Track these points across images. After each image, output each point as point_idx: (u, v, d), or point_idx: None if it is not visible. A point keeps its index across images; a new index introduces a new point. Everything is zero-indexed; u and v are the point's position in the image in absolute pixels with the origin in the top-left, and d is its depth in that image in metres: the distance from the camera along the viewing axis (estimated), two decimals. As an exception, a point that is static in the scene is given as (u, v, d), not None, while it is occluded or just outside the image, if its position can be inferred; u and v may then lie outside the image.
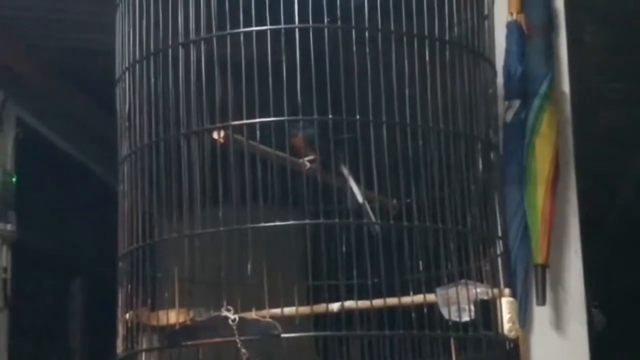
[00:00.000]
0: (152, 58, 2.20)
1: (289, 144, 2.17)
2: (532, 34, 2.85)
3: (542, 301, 2.73)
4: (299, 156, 2.30)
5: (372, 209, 2.17)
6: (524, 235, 2.75)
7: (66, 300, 5.15)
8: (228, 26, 2.12)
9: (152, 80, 2.19)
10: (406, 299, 2.10)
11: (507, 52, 2.80)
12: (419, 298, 2.11)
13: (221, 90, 2.11)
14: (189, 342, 2.09)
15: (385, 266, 2.07)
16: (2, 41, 4.18)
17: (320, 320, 2.20)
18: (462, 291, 2.13)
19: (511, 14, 2.84)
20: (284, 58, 2.08)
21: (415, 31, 2.14)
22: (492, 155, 2.31)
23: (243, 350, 2.00)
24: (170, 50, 2.17)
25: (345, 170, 2.26)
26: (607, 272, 6.35)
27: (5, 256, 4.15)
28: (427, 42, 2.15)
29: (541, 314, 2.79)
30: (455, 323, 2.12)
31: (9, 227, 4.13)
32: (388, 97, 2.10)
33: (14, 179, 4.24)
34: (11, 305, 4.17)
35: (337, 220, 2.14)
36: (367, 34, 2.11)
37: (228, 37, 2.12)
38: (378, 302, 2.10)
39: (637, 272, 6.59)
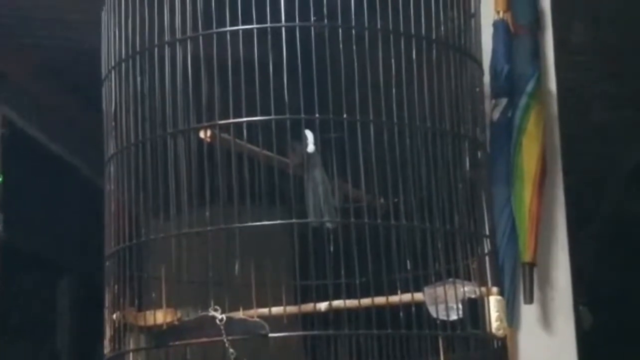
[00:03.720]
0: (138, 57, 2.19)
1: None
2: (518, 33, 2.85)
3: (529, 299, 2.74)
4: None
5: (360, 208, 2.16)
6: (512, 234, 2.75)
7: (53, 300, 5.13)
8: (214, 25, 2.12)
9: (139, 79, 2.18)
10: (394, 298, 2.10)
11: (494, 50, 2.80)
12: (407, 297, 2.11)
13: (208, 89, 2.11)
14: (177, 342, 2.08)
15: (373, 265, 2.07)
16: (-12, 40, 4.16)
17: (308, 320, 2.19)
18: (450, 290, 2.13)
19: (498, 12, 2.84)
20: (270, 57, 2.07)
21: (402, 29, 2.14)
22: (479, 153, 2.31)
23: (231, 350, 1.99)
24: (156, 49, 2.16)
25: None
26: (594, 270, 6.36)
27: (-8, 256, 4.13)
28: (413, 40, 2.15)
29: (529, 312, 2.79)
30: (443, 322, 2.13)
31: (-5, 226, 4.12)
32: (375, 96, 2.10)
33: (0, 179, 4.22)
34: (-2, 304, 4.15)
35: (325, 219, 2.13)
36: (354, 32, 2.11)
37: (214, 36, 2.11)
38: (366, 301, 2.10)
39: (625, 270, 6.61)
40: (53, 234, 4.88)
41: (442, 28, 2.22)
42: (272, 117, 2.07)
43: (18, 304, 4.63)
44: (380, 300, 2.10)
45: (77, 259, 5.04)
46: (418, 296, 2.14)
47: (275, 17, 2.09)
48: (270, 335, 2.00)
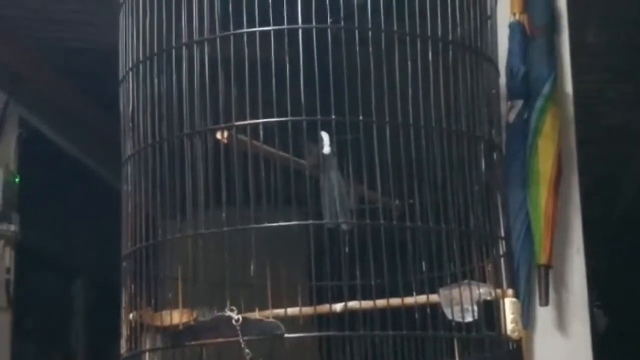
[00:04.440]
0: (155, 58, 2.20)
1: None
2: (535, 35, 2.85)
3: (545, 302, 2.73)
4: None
5: (375, 209, 2.17)
6: (527, 236, 2.75)
7: (69, 301, 5.16)
8: (231, 26, 2.12)
9: (156, 80, 2.19)
10: (409, 300, 2.10)
11: (510, 52, 2.80)
12: (422, 298, 2.11)
13: (224, 91, 2.11)
14: (193, 343, 2.09)
15: (389, 266, 2.07)
16: (5, 41, 4.19)
17: (323, 321, 2.20)
18: (465, 291, 2.13)
19: (514, 14, 2.84)
20: (287, 58, 2.08)
21: (418, 31, 2.14)
22: (494, 155, 2.31)
23: (246, 351, 2.00)
24: (173, 51, 2.17)
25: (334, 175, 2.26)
26: (609, 272, 6.35)
27: (9, 257, 4.15)
28: (429, 42, 2.15)
29: (544, 315, 2.79)
30: (458, 323, 2.13)
31: (12, 227, 4.14)
32: (391, 98, 2.10)
33: (17, 179, 4.24)
34: (14, 305, 4.17)
35: (340, 220, 2.14)
36: (370, 34, 2.11)
37: (231, 38, 2.12)
38: (381, 302, 2.10)
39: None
40: (69, 235, 4.90)
41: (458, 29, 2.23)
42: (289, 118, 2.08)
43: (33, 303, 4.65)
44: (395, 301, 2.10)
45: (93, 259, 5.06)
46: (433, 298, 2.14)
47: (292, 19, 2.09)
48: (286, 335, 2.01)
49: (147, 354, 2.19)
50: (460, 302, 2.12)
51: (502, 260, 2.27)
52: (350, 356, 2.49)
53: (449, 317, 2.13)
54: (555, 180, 2.77)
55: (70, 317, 5.16)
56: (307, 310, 2.15)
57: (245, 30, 2.11)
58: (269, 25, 2.10)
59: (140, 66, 2.23)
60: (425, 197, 2.12)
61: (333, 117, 2.09)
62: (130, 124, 2.25)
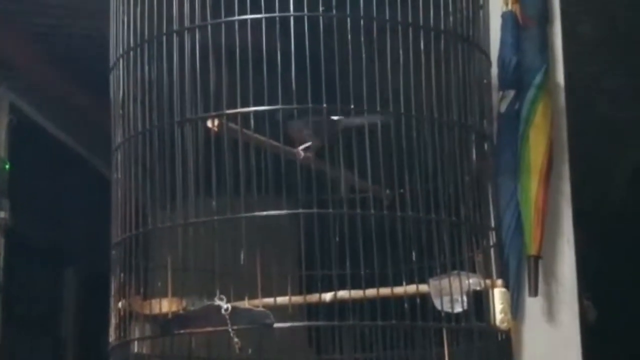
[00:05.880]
0: (146, 45, 2.19)
1: (286, 134, 2.16)
2: (527, 25, 2.84)
3: (534, 292, 2.73)
4: (295, 145, 2.29)
5: (366, 198, 2.16)
6: (517, 226, 2.75)
7: (58, 288, 5.15)
8: (222, 14, 2.11)
9: (146, 67, 2.18)
10: (399, 290, 2.10)
11: (502, 42, 2.79)
12: (411, 288, 2.11)
13: (215, 79, 2.11)
14: (182, 331, 2.09)
15: (379, 256, 2.07)
16: (-4, 28, 4.16)
17: (312, 310, 2.20)
18: (455, 282, 2.13)
19: (506, 4, 2.83)
20: (278, 46, 2.07)
21: (410, 20, 2.14)
22: (485, 145, 2.31)
23: (235, 340, 2.00)
24: (164, 38, 2.16)
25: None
26: (599, 264, 6.36)
27: (-2, 243, 4.14)
28: (422, 31, 2.15)
29: (533, 305, 2.79)
30: (448, 314, 2.13)
31: (1, 214, 4.13)
32: (382, 87, 2.10)
33: (7, 166, 4.23)
34: (3, 292, 4.16)
35: (330, 210, 2.13)
36: (362, 22, 2.10)
37: (223, 25, 2.11)
38: (371, 292, 2.10)
39: (630, 264, 6.60)
40: (59, 222, 4.90)
41: (451, 19, 2.22)
42: (280, 106, 2.07)
43: (23, 291, 4.64)
44: (385, 291, 2.10)
45: (83, 247, 5.05)
46: (423, 288, 2.14)
47: (284, 6, 2.09)
48: (275, 325, 2.00)
49: (135, 342, 2.19)
50: (450, 293, 2.12)
51: (492, 250, 2.27)
52: (340, 346, 2.49)
53: (439, 307, 2.13)
54: (546, 171, 2.77)
55: (60, 305, 5.15)
56: (297, 299, 2.14)
57: (236, 17, 2.10)
58: (260, 12, 2.09)
59: (131, 53, 2.22)
60: (416, 187, 2.12)
61: (324, 105, 2.09)
62: (121, 112, 2.24)
